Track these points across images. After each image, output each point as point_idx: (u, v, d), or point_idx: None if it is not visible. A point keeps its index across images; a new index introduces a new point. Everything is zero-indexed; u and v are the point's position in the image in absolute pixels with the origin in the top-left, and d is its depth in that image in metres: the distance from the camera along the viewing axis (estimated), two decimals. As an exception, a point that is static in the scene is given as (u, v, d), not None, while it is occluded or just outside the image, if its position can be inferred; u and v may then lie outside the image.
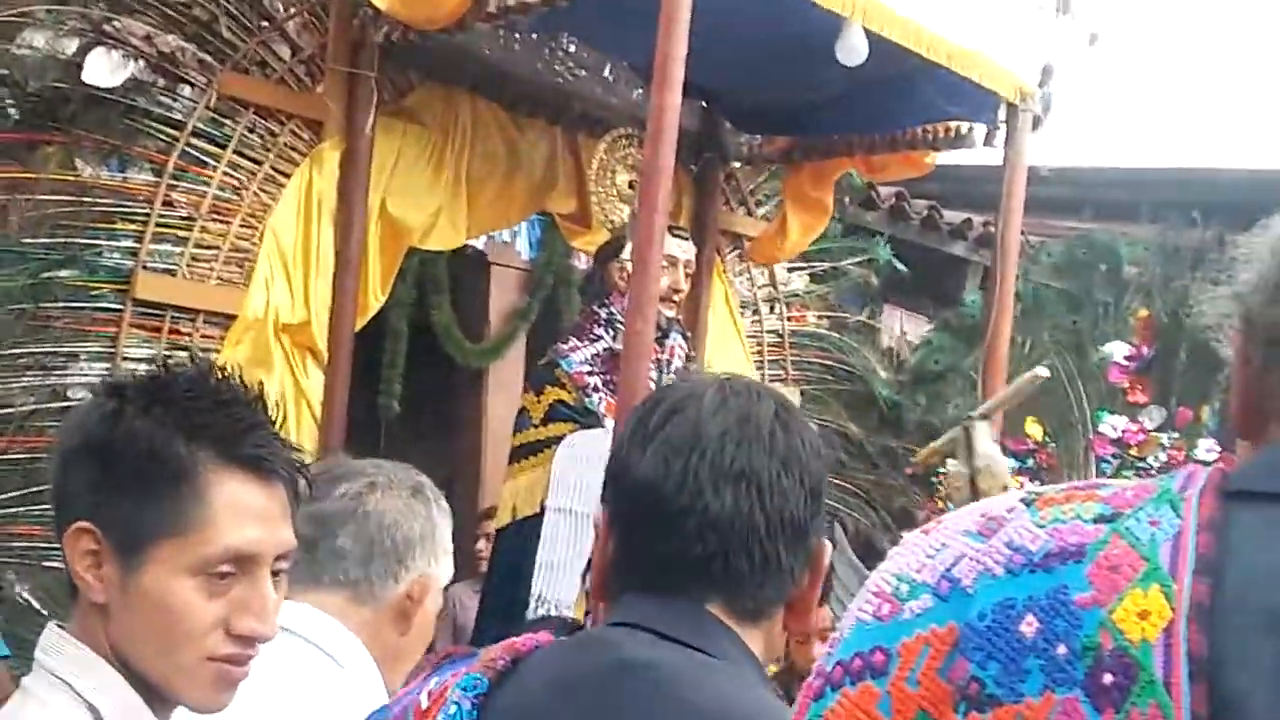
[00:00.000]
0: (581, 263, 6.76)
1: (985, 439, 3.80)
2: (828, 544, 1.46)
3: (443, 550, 1.90)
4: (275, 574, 1.43)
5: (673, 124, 3.47)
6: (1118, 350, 6.74)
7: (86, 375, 3.71)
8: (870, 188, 6.43)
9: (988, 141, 4.65)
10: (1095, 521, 0.94)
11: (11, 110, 3.54)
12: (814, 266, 5.76)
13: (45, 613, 4.37)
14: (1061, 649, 0.88)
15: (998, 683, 0.88)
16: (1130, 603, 0.91)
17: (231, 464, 1.38)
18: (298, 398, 4.06)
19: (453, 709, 1.38)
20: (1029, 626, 0.89)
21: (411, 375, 6.49)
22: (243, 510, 1.39)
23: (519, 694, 1.39)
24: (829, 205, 5.27)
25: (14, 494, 3.63)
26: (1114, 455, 6.76)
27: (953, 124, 4.68)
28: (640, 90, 4.76)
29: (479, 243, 5.49)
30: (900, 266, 6.16)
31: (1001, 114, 4.50)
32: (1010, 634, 0.90)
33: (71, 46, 3.60)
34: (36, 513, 3.68)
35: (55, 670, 1.38)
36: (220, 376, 1.48)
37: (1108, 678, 0.89)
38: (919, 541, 1.01)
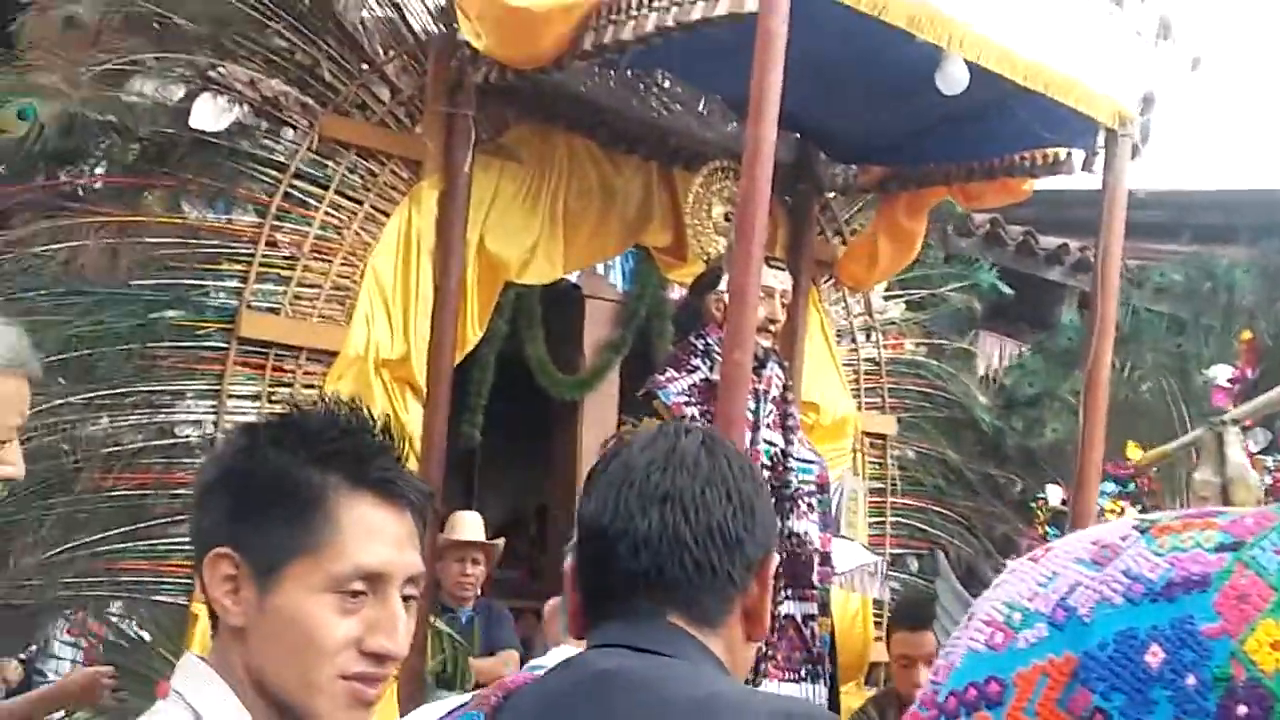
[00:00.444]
0: (675, 294, 6.79)
1: (1237, 446, 3.68)
2: (775, 556, 1.61)
3: None
4: (405, 599, 1.45)
5: (768, 156, 3.48)
6: (1221, 373, 6.63)
7: (193, 413, 3.78)
8: (965, 215, 6.39)
9: (1086, 167, 4.60)
10: (1217, 550, 0.91)
11: (121, 156, 3.62)
12: (911, 294, 5.72)
13: (153, 645, 4.45)
14: (1191, 680, 0.85)
15: (1124, 714, 0.87)
16: (1262, 633, 0.90)
17: (360, 487, 1.42)
18: (398, 431, 4.07)
19: None
20: (1154, 657, 0.87)
21: (505, 408, 6.52)
22: (372, 531, 1.42)
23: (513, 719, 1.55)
24: (919, 236, 5.25)
25: (123, 529, 3.69)
26: (1218, 479, 6.65)
27: (1050, 150, 4.64)
28: (735, 124, 4.77)
29: (573, 276, 5.52)
30: (1005, 290, 6.11)
31: (1100, 140, 4.45)
32: (1135, 664, 0.88)
33: (179, 93, 3.68)
34: (144, 547, 3.75)
35: (175, 685, 1.43)
36: (350, 409, 1.50)
37: (1242, 709, 0.87)
38: (1028, 569, 0.99)
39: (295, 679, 1.41)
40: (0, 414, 2.19)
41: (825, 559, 4.35)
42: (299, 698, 1.42)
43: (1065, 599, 0.93)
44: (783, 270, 4.44)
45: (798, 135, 5.04)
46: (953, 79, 3.88)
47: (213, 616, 1.45)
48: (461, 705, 1.62)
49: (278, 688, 1.42)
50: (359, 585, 1.41)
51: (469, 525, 4.89)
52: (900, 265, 5.29)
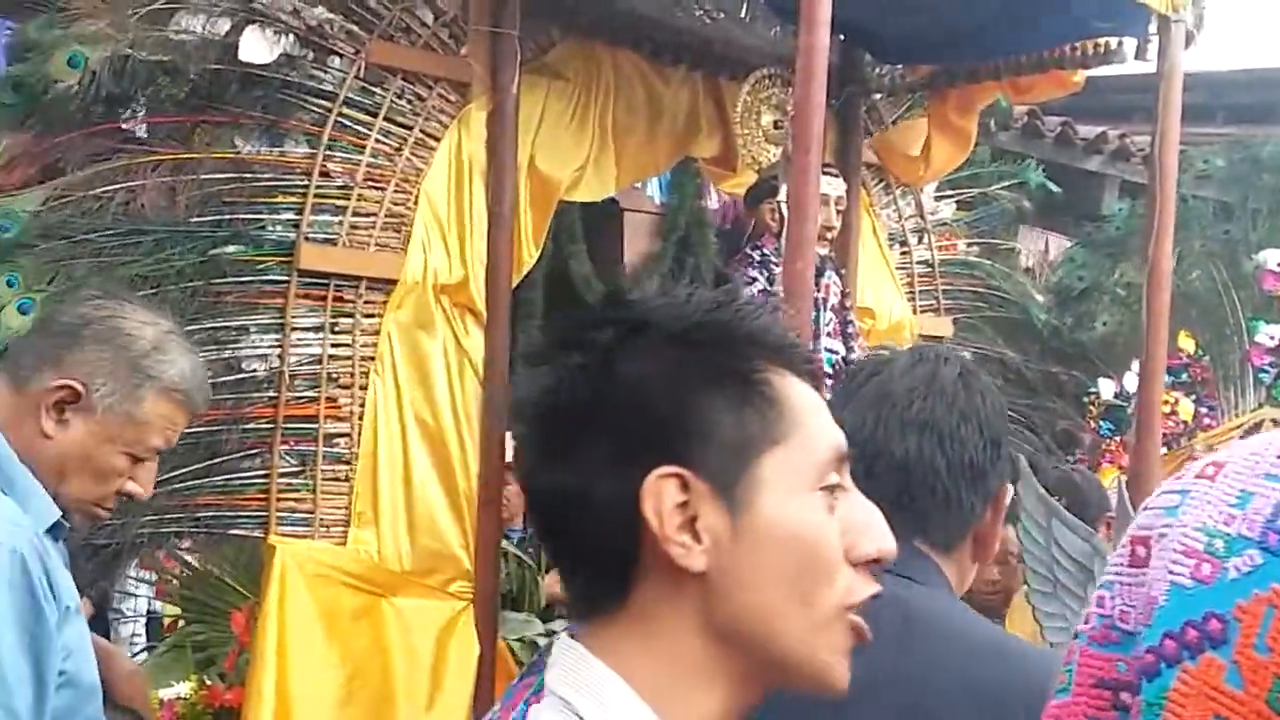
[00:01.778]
0: (714, 204, 6.76)
1: None
2: (1009, 486, 1.69)
3: None
4: None
5: (822, 64, 3.45)
6: (1271, 258, 6.58)
7: (258, 347, 3.80)
8: (1007, 109, 6.32)
9: (1139, 56, 4.54)
10: None
11: (173, 95, 3.60)
12: (962, 194, 5.68)
13: (232, 583, 4.52)
14: None
15: None
16: None
17: (778, 361, 1.12)
18: (459, 356, 4.11)
19: None
20: None
21: (550, 324, 6.53)
22: (818, 408, 1.14)
23: None
24: (972, 133, 5.20)
25: (197, 466, 3.72)
26: (1271, 364, 6.63)
27: (1102, 40, 4.58)
28: (778, 29, 4.73)
29: (612, 190, 5.50)
30: (1053, 188, 6.06)
31: (1153, 27, 4.38)
32: None
33: (224, 27, 3.65)
34: (219, 483, 3.78)
35: (558, 689, 1.07)
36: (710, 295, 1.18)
37: None
38: (1207, 490, 0.94)
39: (800, 621, 1.08)
40: (148, 433, 2.18)
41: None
42: (802, 650, 1.08)
43: (1274, 521, 0.88)
44: (836, 176, 4.42)
45: (842, 38, 4.98)
46: (1001, -29, 3.83)
47: (600, 589, 1.10)
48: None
49: (764, 640, 1.07)
50: (834, 475, 1.11)
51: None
52: (953, 165, 5.25)
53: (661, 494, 1.05)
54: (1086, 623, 0.99)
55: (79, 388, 2.10)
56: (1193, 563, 0.90)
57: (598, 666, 1.07)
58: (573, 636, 1.11)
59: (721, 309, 1.11)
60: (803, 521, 1.08)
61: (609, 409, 1.08)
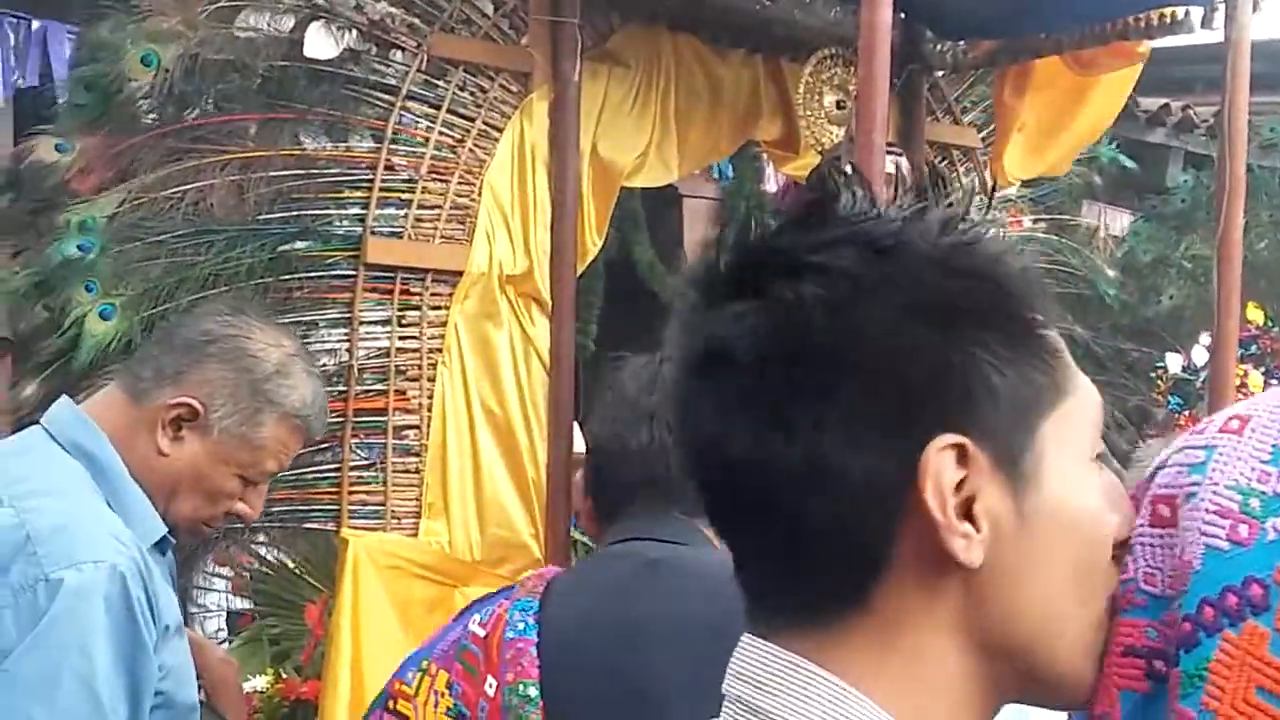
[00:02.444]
0: (773, 187, 6.75)
1: None
2: None
3: None
4: None
5: (884, 43, 3.43)
6: (1340, 226, 6.49)
7: (326, 342, 3.83)
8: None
9: (1205, 25, 4.47)
10: None
11: (240, 93, 3.63)
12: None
13: (305, 577, 4.56)
14: None
15: None
16: None
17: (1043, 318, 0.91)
18: (526, 346, 4.12)
19: (520, 626, 1.79)
20: None
21: (610, 312, 6.55)
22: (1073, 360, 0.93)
23: (572, 604, 1.83)
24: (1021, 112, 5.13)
25: (271, 461, 3.74)
26: (1343, 334, 6.55)
27: (1167, 10, 4.51)
28: (838, 8, 4.69)
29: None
30: (1127, 163, 6.00)
31: (1219, -6, 4.33)
32: None
33: (289, 24, 3.67)
34: (291, 477, 3.80)
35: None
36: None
37: None
38: (1236, 445, 0.87)
39: (1075, 622, 0.88)
40: (264, 458, 2.16)
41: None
42: (1070, 657, 0.88)
43: None
44: (900, 155, 4.39)
45: (903, 15, 4.93)
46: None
47: (822, 595, 0.86)
48: (509, 591, 1.91)
49: (1037, 650, 0.86)
50: (1099, 443, 0.91)
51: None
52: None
53: (942, 470, 0.82)
54: None
55: (198, 407, 2.08)
56: (1228, 524, 0.84)
57: (838, 687, 0.83)
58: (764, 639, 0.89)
59: (968, 227, 0.89)
60: (1087, 500, 0.88)
61: (865, 357, 0.82)
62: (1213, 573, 0.83)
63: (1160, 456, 0.95)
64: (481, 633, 1.81)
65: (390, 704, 1.85)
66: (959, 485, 0.82)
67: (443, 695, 1.79)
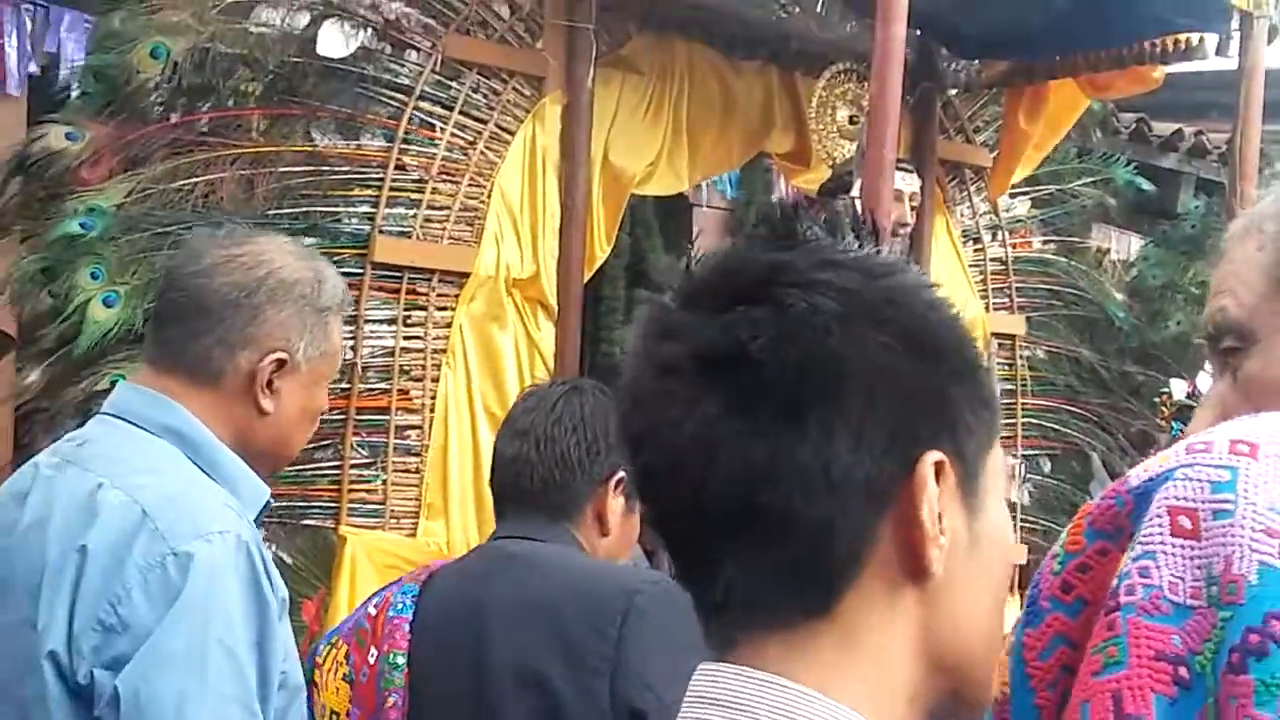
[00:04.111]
0: (785, 198, 6.73)
1: None
2: (619, 475, 2.16)
3: None
4: None
5: (898, 59, 3.43)
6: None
7: (334, 340, 3.82)
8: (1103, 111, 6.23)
9: (1219, 52, 4.48)
10: None
11: (251, 88, 3.63)
12: (1041, 189, 5.61)
13: (303, 573, 4.55)
14: None
15: None
16: None
17: None
18: (531, 350, 4.12)
19: (399, 605, 2.12)
20: None
21: (620, 320, 6.55)
22: None
23: (440, 589, 2.15)
24: (1032, 136, 5.13)
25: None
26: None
27: (1182, 36, 4.52)
28: (854, 24, 4.70)
29: (682, 185, 5.50)
30: (1144, 185, 5.98)
31: (1235, 23, 4.32)
32: None
33: (303, 21, 3.67)
34: (291, 473, 3.81)
35: None
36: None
37: None
38: (1260, 470, 0.94)
39: (993, 640, 0.94)
40: (339, 356, 2.15)
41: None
42: (987, 672, 0.94)
43: None
44: (911, 172, 4.39)
45: (919, 32, 4.94)
46: (1080, -33, 3.79)
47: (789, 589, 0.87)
48: (393, 584, 2.25)
49: (970, 663, 0.91)
50: None
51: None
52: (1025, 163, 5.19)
53: (928, 484, 0.85)
54: (1131, 594, 0.95)
55: (284, 355, 2.00)
56: (1277, 542, 0.91)
57: (813, 697, 0.85)
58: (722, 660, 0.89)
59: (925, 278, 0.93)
60: (1006, 528, 0.94)
61: (871, 369, 0.85)
62: (1272, 587, 0.90)
63: (1154, 467, 1.01)
64: (373, 612, 2.17)
65: (313, 675, 2.21)
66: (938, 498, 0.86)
67: (340, 664, 2.17)
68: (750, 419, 0.85)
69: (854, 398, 0.84)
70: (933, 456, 0.85)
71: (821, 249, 0.89)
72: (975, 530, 0.89)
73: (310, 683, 2.16)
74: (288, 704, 1.91)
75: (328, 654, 2.21)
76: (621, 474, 2.17)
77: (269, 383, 2.01)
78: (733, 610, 0.89)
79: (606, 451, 2.16)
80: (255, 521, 2.00)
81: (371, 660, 2.12)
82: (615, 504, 2.19)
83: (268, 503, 2.04)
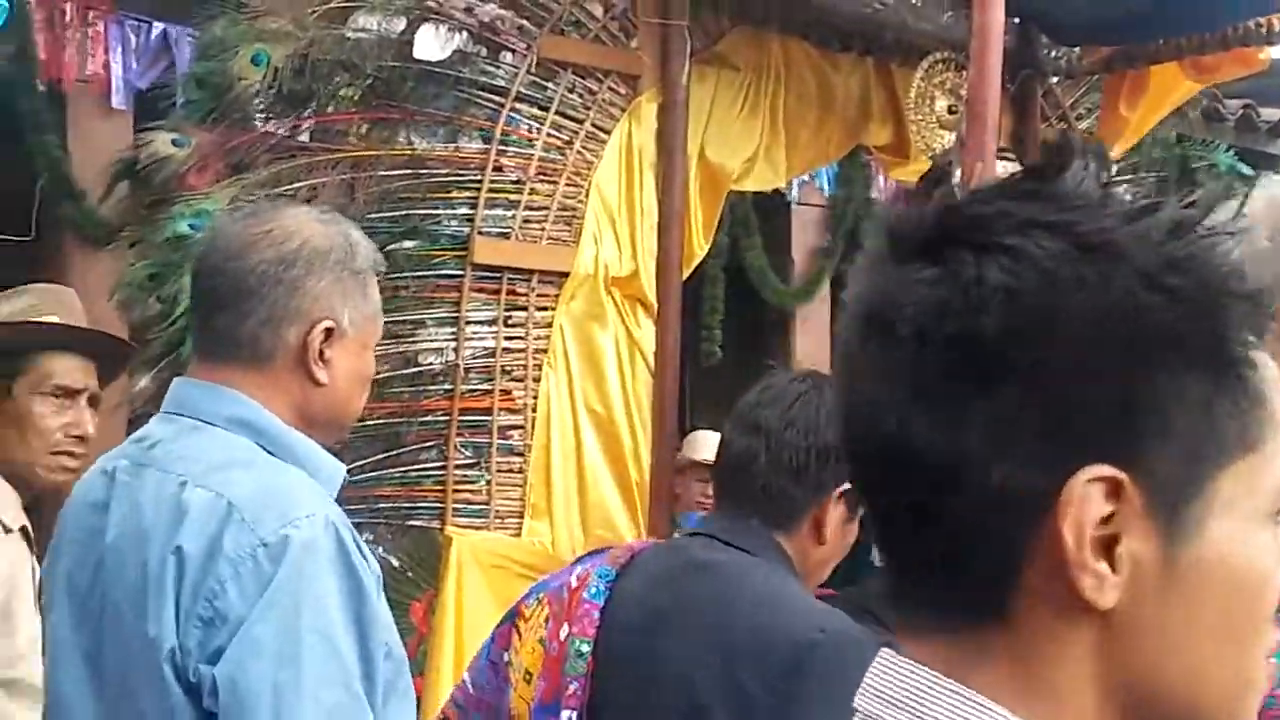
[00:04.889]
0: (883, 195, 6.69)
1: None
2: (844, 486, 2.05)
3: None
4: None
5: (997, 47, 3.39)
6: None
7: (434, 341, 3.85)
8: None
9: (1331, 30, 4.37)
10: None
11: (350, 93, 3.67)
12: (1143, 178, 5.52)
13: (409, 574, 4.59)
14: None
15: None
16: None
17: (1256, 333, 0.81)
18: (631, 348, 4.12)
19: (594, 589, 2.09)
20: None
21: (727, 316, 6.55)
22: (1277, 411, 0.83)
23: (631, 583, 2.09)
24: (1133, 121, 5.05)
25: (378, 457, 3.78)
26: None
27: (1290, 15, 4.42)
28: (950, 13, 4.64)
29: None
30: (1245, 170, 5.86)
31: (1345, -1, 4.22)
32: None
33: (400, 25, 3.71)
34: (397, 475, 3.84)
35: None
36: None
37: None
38: None
39: (1223, 680, 0.81)
40: (380, 317, 2.17)
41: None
42: (1214, 713, 0.81)
43: None
44: (1012, 160, 4.33)
45: (1017, 20, 4.87)
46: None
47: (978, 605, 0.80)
48: (597, 556, 2.21)
49: (1176, 703, 0.80)
50: None
51: (715, 446, 4.91)
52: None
53: (1087, 503, 0.75)
54: None
55: (332, 323, 2.01)
56: None
57: (981, 705, 0.78)
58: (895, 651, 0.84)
59: (1198, 235, 0.79)
60: (1259, 562, 0.79)
61: (1034, 361, 0.75)
62: None
63: None
64: (574, 584, 2.14)
65: (516, 620, 2.21)
66: (1105, 520, 0.76)
67: (540, 626, 2.15)
68: (892, 389, 0.79)
69: (1003, 389, 0.76)
70: (1091, 472, 0.75)
71: (1041, 200, 0.78)
72: (1181, 559, 0.77)
73: (514, 628, 2.20)
74: (395, 675, 1.92)
75: (534, 609, 2.19)
76: (847, 485, 2.04)
77: (320, 353, 2.01)
78: (911, 603, 0.84)
79: (835, 462, 2.06)
80: (336, 500, 2.00)
81: (562, 636, 2.10)
82: (835, 513, 2.11)
83: (345, 479, 2.05)
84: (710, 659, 1.94)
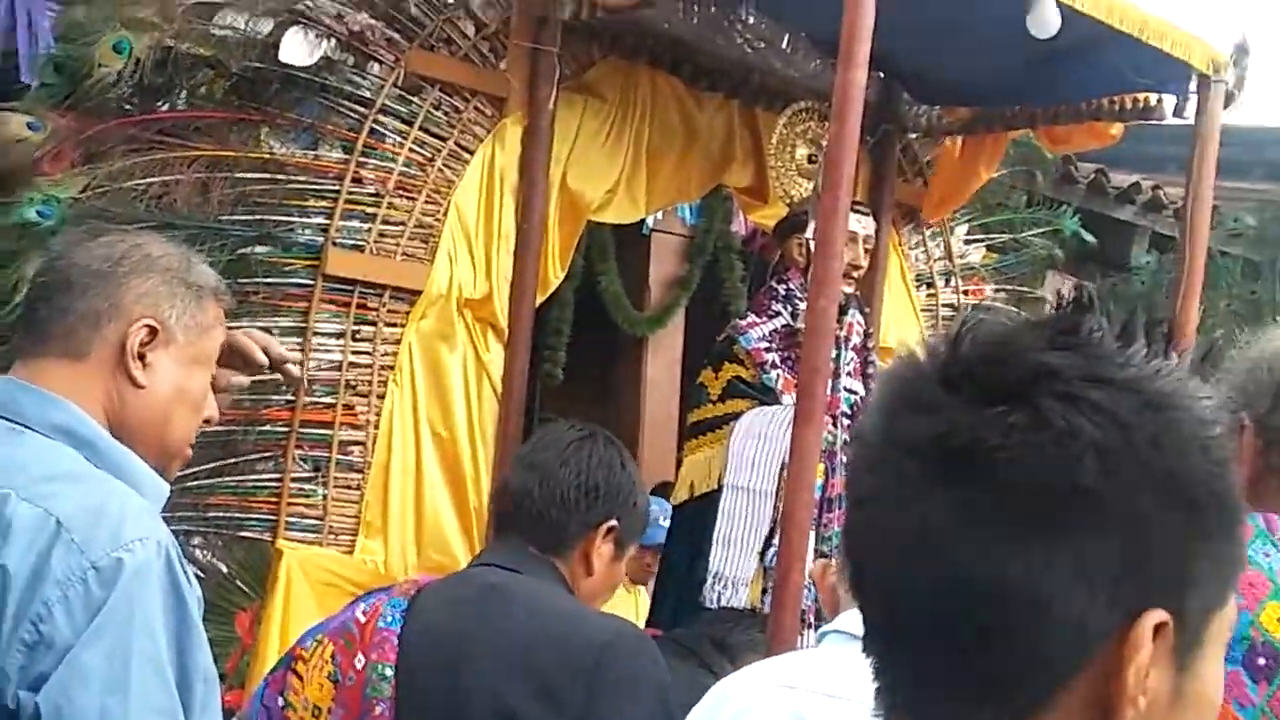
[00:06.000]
0: (743, 229, 6.75)
1: None
2: (613, 523, 2.35)
3: None
4: None
5: (858, 101, 3.42)
6: (1296, 322, 6.53)
7: (281, 350, 3.78)
8: (1054, 160, 6.29)
9: (1177, 113, 4.53)
10: None
11: (211, 90, 3.61)
12: (993, 238, 5.66)
13: (238, 582, 4.51)
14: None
15: None
16: (1271, 611, 1.38)
17: None
18: (479, 372, 4.10)
19: (389, 618, 2.25)
20: None
21: (571, 342, 6.54)
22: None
23: (426, 610, 2.27)
24: (982, 179, 5.18)
25: (211, 466, 3.71)
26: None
27: (1141, 95, 4.57)
28: (818, 62, 4.71)
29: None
30: (1087, 237, 6.04)
31: (1192, 85, 4.37)
32: None
33: (267, 27, 3.65)
34: (231, 484, 3.77)
35: None
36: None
37: (1261, 660, 1.35)
38: None
39: None
40: (215, 340, 2.06)
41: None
42: None
43: None
44: (867, 214, 4.40)
45: (880, 75, 4.96)
46: (1045, 23, 3.82)
47: None
48: (381, 592, 2.38)
49: None
50: None
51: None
52: (954, 204, 5.25)
53: (1144, 644, 0.81)
54: None
55: (155, 323, 1.94)
56: None
57: None
58: None
59: (1215, 414, 0.87)
60: (1218, 688, 0.89)
61: (1117, 513, 0.81)
62: None
63: None
64: (362, 619, 2.29)
65: (293, 665, 2.34)
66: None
67: (326, 663, 2.28)
68: (974, 522, 0.82)
69: (1088, 534, 0.81)
70: (1156, 617, 0.81)
71: (1100, 357, 0.84)
72: (1182, 689, 0.84)
73: (292, 671, 2.33)
74: (207, 697, 1.87)
75: (314, 650, 2.33)
76: (614, 523, 2.37)
77: (141, 355, 1.95)
78: (906, 710, 0.87)
79: (602, 500, 2.36)
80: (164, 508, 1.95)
81: (359, 666, 2.25)
82: (604, 549, 2.37)
83: (168, 499, 1.99)
84: (515, 666, 2.17)
